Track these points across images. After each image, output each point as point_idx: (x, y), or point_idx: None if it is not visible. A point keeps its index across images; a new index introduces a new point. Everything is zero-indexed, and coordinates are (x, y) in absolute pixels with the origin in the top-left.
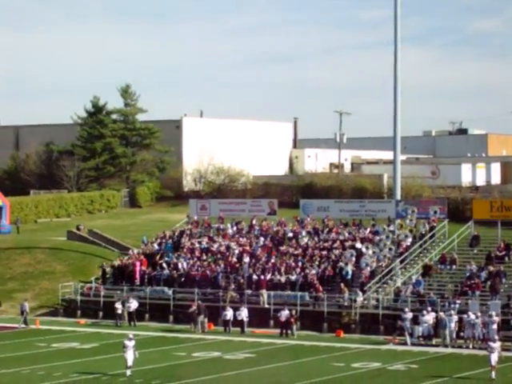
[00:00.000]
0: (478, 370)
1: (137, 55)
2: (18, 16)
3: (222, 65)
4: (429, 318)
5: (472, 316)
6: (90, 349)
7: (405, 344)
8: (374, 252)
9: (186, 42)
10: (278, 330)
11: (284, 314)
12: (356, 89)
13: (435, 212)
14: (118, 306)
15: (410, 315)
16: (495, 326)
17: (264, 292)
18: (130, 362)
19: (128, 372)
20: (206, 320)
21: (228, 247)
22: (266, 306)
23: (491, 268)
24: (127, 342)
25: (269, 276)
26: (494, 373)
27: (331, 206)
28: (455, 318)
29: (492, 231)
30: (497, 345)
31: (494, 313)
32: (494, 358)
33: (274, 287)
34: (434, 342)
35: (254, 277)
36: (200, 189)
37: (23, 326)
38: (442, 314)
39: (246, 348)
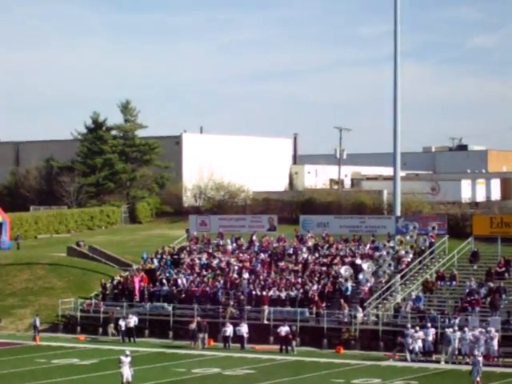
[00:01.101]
0: None
1: (137, 71)
2: (18, 32)
3: (221, 81)
4: (421, 334)
5: (469, 333)
6: (89, 365)
7: (405, 360)
8: (373, 268)
9: (186, 58)
10: (277, 346)
11: (284, 329)
12: (356, 105)
13: (433, 228)
14: (122, 323)
15: (411, 331)
16: (496, 342)
17: (266, 308)
18: (126, 378)
19: None
20: (206, 336)
21: (228, 263)
22: (266, 322)
23: (491, 284)
24: (123, 358)
25: (269, 292)
26: None
27: (331, 222)
28: (458, 334)
29: (492, 247)
30: (479, 359)
31: (493, 329)
32: (476, 372)
33: (273, 303)
34: (433, 358)
35: (254, 293)
36: (200, 205)
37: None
38: (447, 330)
39: (245, 364)
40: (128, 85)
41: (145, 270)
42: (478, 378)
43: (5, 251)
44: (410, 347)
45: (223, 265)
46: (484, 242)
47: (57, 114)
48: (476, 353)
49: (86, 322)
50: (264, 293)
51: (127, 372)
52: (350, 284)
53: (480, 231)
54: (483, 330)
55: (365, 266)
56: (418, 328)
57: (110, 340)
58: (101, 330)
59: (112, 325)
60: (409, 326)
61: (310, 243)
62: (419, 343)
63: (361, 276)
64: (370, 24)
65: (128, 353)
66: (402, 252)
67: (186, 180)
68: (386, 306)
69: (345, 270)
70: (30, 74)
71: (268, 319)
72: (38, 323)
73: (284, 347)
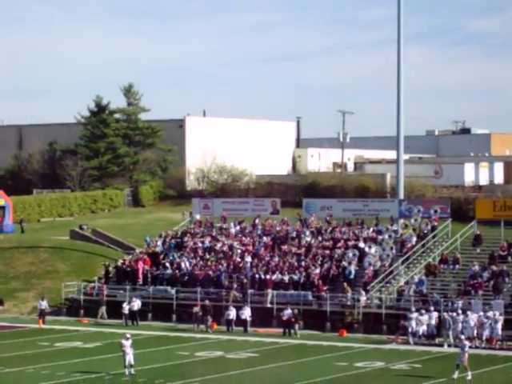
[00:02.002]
0: (481, 369)
1: (140, 54)
2: (20, 16)
3: (224, 64)
4: (427, 317)
5: (473, 316)
6: (92, 348)
7: (408, 343)
8: (376, 251)
9: (189, 42)
10: (280, 330)
11: (287, 313)
12: (359, 88)
13: (436, 211)
14: (125, 306)
15: (415, 315)
16: (500, 325)
17: (269, 291)
18: (128, 361)
19: (127, 371)
20: (210, 319)
21: (231, 247)
22: (269, 305)
23: (494, 267)
24: (124, 342)
25: (272, 276)
26: (469, 373)
27: (334, 206)
28: (461, 317)
29: (495, 231)
30: (468, 343)
31: (497, 312)
32: (463, 359)
33: (276, 286)
34: (436, 341)
35: (257, 276)
36: (203, 188)
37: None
38: (445, 314)
39: (248, 347)
40: (131, 68)
41: (148, 253)
42: (466, 363)
43: (8, 234)
44: (414, 330)
45: (226, 248)
46: (487, 225)
47: (60, 97)
48: (462, 337)
49: (90, 306)
50: (267, 276)
51: (130, 355)
52: (353, 267)
53: (483, 215)
54: (487, 314)
55: (372, 250)
56: (423, 311)
57: (114, 323)
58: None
59: (103, 307)
60: (412, 309)
61: (315, 224)
62: (424, 326)
63: (365, 260)
64: (373, 7)
65: (128, 335)
66: (407, 236)
67: (189, 163)
68: (389, 289)
69: (353, 254)
70: (32, 57)
71: (271, 303)
72: (44, 306)
73: (287, 330)
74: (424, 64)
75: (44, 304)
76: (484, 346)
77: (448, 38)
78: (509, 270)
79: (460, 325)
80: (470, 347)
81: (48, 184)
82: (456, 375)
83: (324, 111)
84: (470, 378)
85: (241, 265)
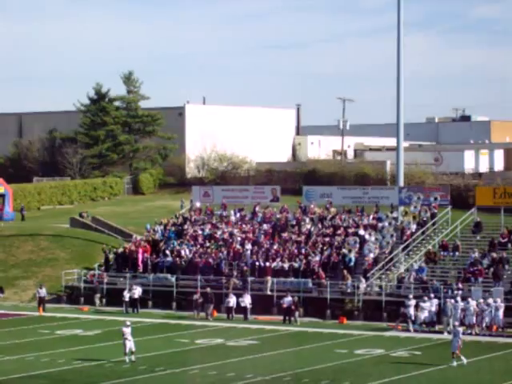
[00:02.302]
0: (481, 356)
1: (139, 42)
2: (20, 3)
3: (224, 51)
4: (429, 304)
5: (473, 303)
6: (93, 336)
7: (408, 331)
8: (376, 239)
9: (189, 29)
10: (281, 317)
11: (287, 300)
12: (359, 75)
13: (435, 198)
14: (126, 294)
15: (413, 302)
16: (501, 312)
17: (269, 279)
18: (129, 348)
19: (127, 358)
20: (211, 307)
21: (231, 234)
22: (269, 292)
23: (494, 255)
24: (125, 329)
25: (272, 263)
26: (464, 358)
27: (334, 193)
28: (461, 304)
29: (495, 218)
30: (461, 329)
31: (499, 299)
32: (456, 344)
33: (276, 274)
34: (436, 328)
35: (257, 264)
36: (203, 176)
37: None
38: (448, 301)
39: (249, 335)
40: (131, 56)
41: (148, 240)
42: (458, 350)
43: (8, 222)
44: (413, 317)
45: (226, 236)
46: (487, 212)
47: (60, 85)
48: (456, 323)
49: (90, 293)
50: (267, 264)
51: (130, 342)
52: (353, 255)
53: (483, 202)
54: (487, 301)
55: (372, 237)
56: (426, 298)
57: (114, 311)
58: (104, 300)
59: (98, 295)
60: (410, 296)
61: (316, 212)
62: (425, 313)
63: (365, 247)
64: None
65: (128, 323)
66: (406, 223)
67: (189, 151)
68: (389, 276)
69: (354, 241)
70: (32, 45)
71: (271, 290)
72: (43, 294)
73: (287, 318)
74: (424, 51)
75: (43, 292)
76: (484, 333)
77: (449, 24)
78: (509, 257)
79: (459, 312)
80: (470, 334)
81: (48, 172)
82: (455, 363)
83: (324, 99)
84: (465, 362)
85: (241, 252)
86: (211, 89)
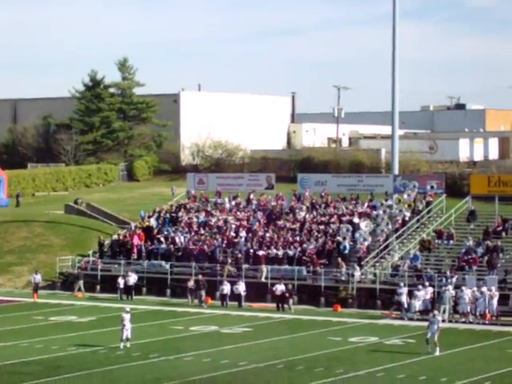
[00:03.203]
0: (475, 344)
1: (134, 28)
2: None
3: (220, 39)
4: (423, 293)
5: (468, 291)
6: (87, 322)
7: (402, 319)
8: (370, 226)
9: (184, 16)
10: (275, 305)
11: (279, 288)
12: (354, 63)
13: (432, 187)
14: (121, 281)
15: (405, 290)
16: (495, 301)
17: (263, 267)
18: (126, 335)
19: (122, 345)
20: (204, 294)
21: (226, 221)
22: (264, 280)
23: (488, 243)
24: (124, 315)
25: (266, 251)
26: (437, 348)
27: (329, 181)
28: (453, 292)
29: (489, 206)
30: (440, 317)
31: (493, 288)
32: (433, 331)
33: (271, 261)
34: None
35: (252, 251)
36: (198, 163)
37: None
38: (447, 289)
39: (243, 322)
40: (126, 42)
41: (142, 227)
42: (436, 338)
43: (2, 208)
44: (406, 305)
45: (221, 223)
46: (481, 201)
47: (54, 71)
48: (435, 312)
49: (84, 280)
50: (262, 252)
51: (128, 328)
52: (347, 242)
53: (478, 190)
54: (481, 289)
55: (362, 224)
56: (420, 287)
57: (109, 298)
58: (98, 287)
59: (81, 281)
60: (401, 284)
61: (308, 202)
62: (420, 302)
63: (358, 235)
64: None
65: (128, 309)
66: (400, 211)
67: (184, 138)
68: (383, 264)
69: (346, 229)
70: (27, 31)
71: (265, 277)
72: (38, 280)
73: (280, 305)
74: (419, 39)
75: (38, 278)
76: (478, 322)
77: (445, 13)
78: (503, 245)
79: (451, 300)
80: (464, 322)
81: (42, 158)
82: (429, 349)
83: (319, 86)
84: (437, 354)
85: (235, 240)
86: (206, 76)
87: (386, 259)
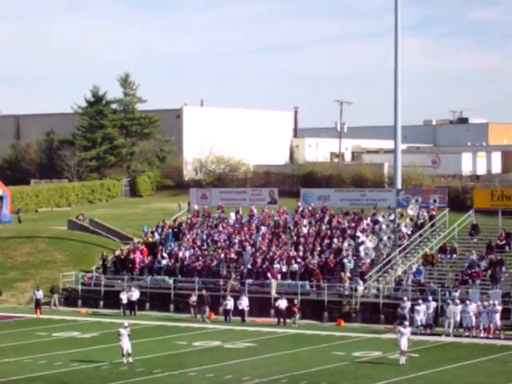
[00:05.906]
0: (479, 358)
1: (136, 44)
2: (18, 4)
3: (222, 54)
4: (424, 307)
5: (471, 305)
6: (90, 338)
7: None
8: (374, 241)
9: (186, 31)
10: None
11: (282, 303)
12: (357, 78)
13: (435, 201)
14: (123, 296)
15: (408, 304)
16: (498, 315)
17: (273, 281)
18: (126, 350)
19: (124, 360)
20: (207, 309)
21: (229, 236)
22: (275, 295)
23: (492, 257)
24: (122, 330)
25: (274, 265)
26: (403, 358)
27: (332, 195)
28: (459, 307)
29: (492, 220)
30: (407, 330)
31: (496, 301)
32: (404, 342)
33: (275, 276)
34: (434, 330)
35: (255, 266)
36: (200, 178)
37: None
38: (450, 303)
39: (246, 337)
40: (128, 58)
41: (145, 243)
42: (405, 348)
43: (5, 224)
44: (408, 320)
45: (224, 238)
46: (484, 215)
47: (57, 87)
48: (406, 323)
49: (87, 296)
50: (265, 265)
51: (127, 344)
52: (351, 257)
53: (480, 204)
54: (485, 303)
55: (366, 239)
56: (420, 301)
57: (112, 313)
58: (102, 303)
59: (56, 295)
60: (405, 298)
61: (312, 213)
62: (421, 316)
63: (361, 249)
64: None
65: (126, 324)
66: (403, 225)
67: (187, 153)
68: (386, 278)
69: (349, 244)
70: (30, 47)
71: (268, 292)
72: (40, 296)
73: (281, 320)
74: (422, 53)
75: (40, 294)
76: (482, 336)
77: (446, 27)
78: (506, 259)
79: (459, 314)
80: (468, 336)
81: (45, 174)
82: (403, 360)
83: (322, 101)
84: (403, 363)
85: (238, 255)
86: (209, 91)
87: (389, 273)
